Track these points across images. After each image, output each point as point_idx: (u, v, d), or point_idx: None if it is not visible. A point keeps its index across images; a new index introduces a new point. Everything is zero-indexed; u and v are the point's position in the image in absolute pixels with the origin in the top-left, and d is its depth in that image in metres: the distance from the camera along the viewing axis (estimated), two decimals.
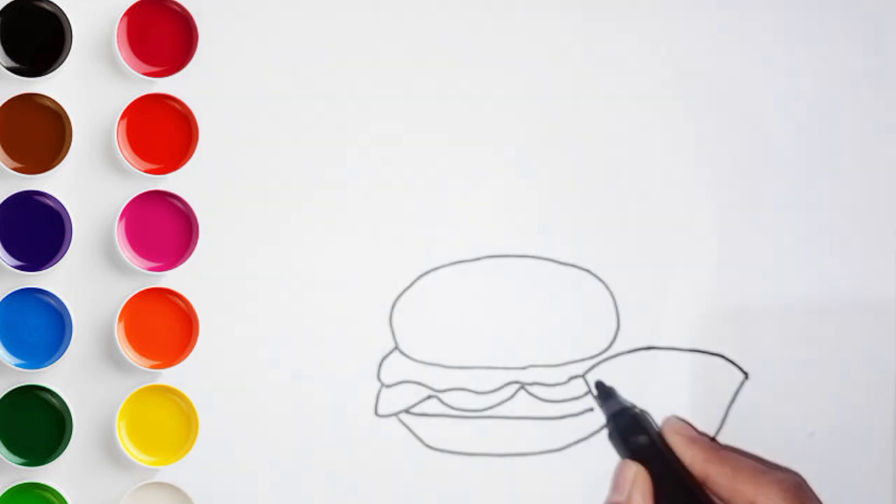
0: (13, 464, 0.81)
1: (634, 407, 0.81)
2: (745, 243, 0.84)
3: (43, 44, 0.81)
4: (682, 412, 0.83)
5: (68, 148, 0.81)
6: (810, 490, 0.76)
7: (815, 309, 0.84)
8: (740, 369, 0.83)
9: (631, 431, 0.79)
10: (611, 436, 0.80)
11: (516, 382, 0.83)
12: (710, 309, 0.84)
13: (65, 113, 0.81)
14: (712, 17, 0.84)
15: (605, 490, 0.83)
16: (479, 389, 0.83)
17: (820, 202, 0.84)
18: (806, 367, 0.84)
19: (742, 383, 0.83)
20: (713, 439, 0.81)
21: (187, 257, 0.82)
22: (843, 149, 0.84)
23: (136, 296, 0.82)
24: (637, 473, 0.77)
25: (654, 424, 0.80)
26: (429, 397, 0.83)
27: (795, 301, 0.84)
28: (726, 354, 0.83)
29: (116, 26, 0.82)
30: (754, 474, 0.76)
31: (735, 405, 0.83)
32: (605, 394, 0.81)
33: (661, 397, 0.83)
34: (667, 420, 0.80)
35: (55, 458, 0.81)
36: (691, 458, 0.78)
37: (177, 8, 0.82)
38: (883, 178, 0.84)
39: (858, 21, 0.84)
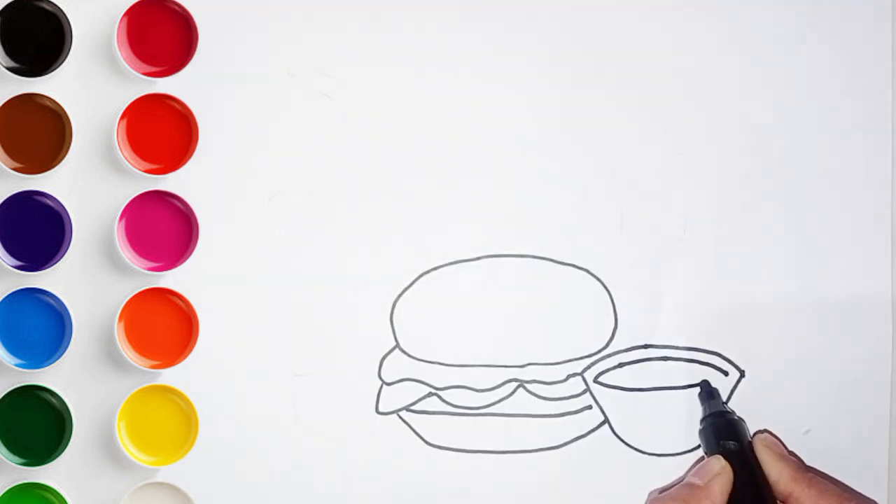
0: (13, 464, 0.81)
1: (733, 413, 0.81)
2: (742, 243, 0.84)
3: (43, 44, 0.82)
4: (679, 410, 0.83)
5: (68, 148, 0.81)
6: None
7: (811, 308, 0.84)
8: (736, 367, 0.84)
9: (724, 434, 0.79)
10: (703, 432, 0.80)
11: (515, 380, 0.83)
12: (707, 308, 0.84)
13: (65, 113, 0.81)
14: (711, 18, 0.84)
15: (603, 487, 0.83)
16: (478, 387, 0.83)
17: (815, 202, 0.84)
18: (801, 365, 0.84)
19: (738, 381, 0.84)
20: (801, 461, 0.81)
21: (187, 257, 0.82)
22: (836, 150, 0.85)
23: (136, 296, 0.82)
24: (724, 468, 0.77)
25: (747, 434, 0.80)
26: (429, 395, 0.83)
27: (791, 300, 0.84)
28: (722, 353, 0.84)
29: (116, 26, 0.82)
30: (840, 500, 0.76)
31: (731, 403, 0.84)
32: (708, 394, 0.82)
33: (658, 395, 0.84)
34: (759, 433, 0.80)
35: (55, 458, 0.81)
36: (778, 473, 0.78)
37: (177, 8, 0.82)
38: (876, 179, 0.85)
39: (855, 23, 0.85)
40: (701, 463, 0.78)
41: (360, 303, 0.83)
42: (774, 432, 0.82)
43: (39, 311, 0.81)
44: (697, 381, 0.83)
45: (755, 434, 0.80)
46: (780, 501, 0.77)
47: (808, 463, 0.82)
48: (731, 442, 0.79)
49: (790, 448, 0.81)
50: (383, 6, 0.83)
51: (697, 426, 0.81)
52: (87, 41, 0.82)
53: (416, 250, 0.83)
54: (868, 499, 0.77)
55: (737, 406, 0.83)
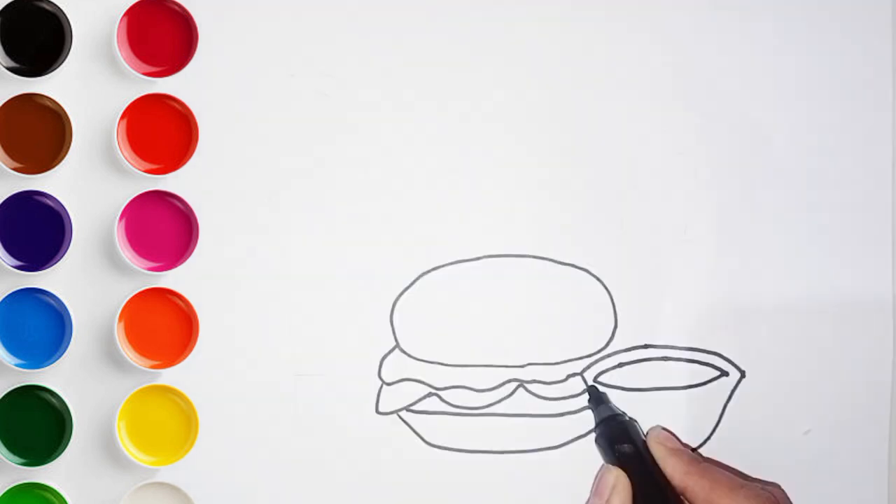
0: (13, 464, 0.81)
1: (624, 414, 0.81)
2: (742, 243, 0.84)
3: (43, 44, 0.82)
4: (679, 410, 0.83)
5: (68, 148, 0.81)
6: (789, 503, 0.77)
7: (811, 308, 0.84)
8: (737, 367, 0.84)
9: (617, 439, 0.79)
10: (597, 440, 0.81)
11: (515, 380, 0.83)
12: (707, 308, 0.84)
13: (65, 113, 0.81)
14: (712, 18, 0.84)
15: None
16: (478, 387, 0.83)
17: (816, 202, 0.84)
18: (802, 365, 0.84)
19: (738, 381, 0.84)
20: (695, 450, 0.82)
21: (187, 257, 0.82)
22: (839, 150, 0.85)
23: (136, 296, 0.82)
24: (618, 479, 0.78)
25: (641, 433, 0.80)
26: (429, 395, 0.83)
27: (792, 300, 0.84)
28: (722, 353, 0.84)
29: (116, 26, 0.82)
30: (731, 488, 0.76)
31: (731, 403, 0.84)
32: (596, 399, 0.82)
33: (658, 395, 0.84)
34: (651, 430, 0.81)
35: (55, 458, 0.81)
36: (672, 468, 0.78)
37: (177, 8, 0.82)
38: (878, 179, 0.85)
39: (855, 23, 0.85)
40: (596, 479, 0.78)
41: (360, 303, 0.83)
42: (773, 432, 0.82)
43: (39, 311, 0.81)
44: (697, 381, 0.84)
45: (648, 431, 0.80)
46: (680, 495, 0.78)
47: (807, 463, 0.82)
48: (625, 445, 0.79)
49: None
50: (384, 6, 0.83)
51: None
52: (87, 41, 0.82)
53: (416, 250, 0.83)
54: (766, 482, 0.78)
55: (737, 406, 0.84)
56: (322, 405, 0.82)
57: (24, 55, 0.81)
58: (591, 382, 0.83)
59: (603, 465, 0.80)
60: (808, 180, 0.84)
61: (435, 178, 0.83)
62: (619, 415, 0.81)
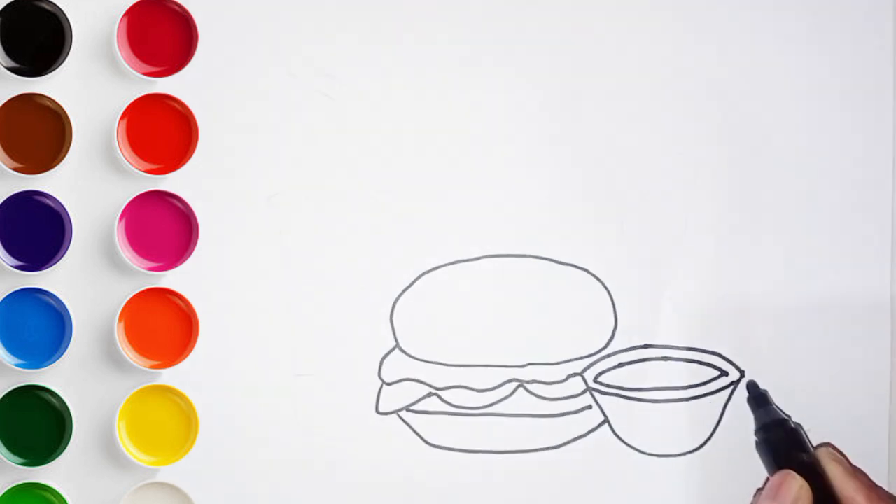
0: (13, 464, 0.81)
1: (790, 419, 0.77)
2: (742, 243, 0.84)
3: (43, 44, 0.82)
4: (679, 410, 0.84)
5: (68, 148, 0.81)
6: None
7: (811, 308, 0.84)
8: (736, 367, 0.84)
9: (791, 446, 0.75)
10: (765, 443, 0.76)
11: (515, 380, 0.83)
12: (707, 308, 0.84)
13: (65, 113, 0.81)
14: (712, 17, 0.84)
15: (603, 487, 0.83)
16: (478, 387, 0.83)
17: (815, 202, 0.84)
18: (801, 365, 0.84)
19: (738, 381, 0.84)
20: (868, 477, 0.77)
21: (187, 257, 0.82)
22: (839, 150, 0.85)
23: (136, 296, 0.82)
24: (802, 489, 0.73)
25: (810, 443, 0.76)
26: (429, 395, 0.83)
27: (791, 301, 0.84)
28: (722, 353, 0.84)
29: (116, 26, 0.82)
30: None
31: (731, 403, 0.84)
32: (757, 399, 0.77)
33: (658, 395, 0.84)
34: (823, 446, 0.76)
35: (55, 458, 0.81)
36: (853, 490, 0.74)
37: (177, 8, 0.82)
38: (876, 179, 0.85)
39: (855, 23, 0.85)
40: (776, 483, 0.74)
41: (360, 303, 0.83)
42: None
43: (39, 311, 0.81)
44: (697, 381, 0.84)
45: (818, 447, 0.76)
46: None
47: None
48: (803, 454, 0.75)
49: None
50: (384, 6, 0.83)
51: (700, 430, 0.81)
52: (87, 41, 0.82)
53: (416, 250, 0.83)
54: None
55: (738, 406, 0.84)
56: (322, 405, 0.82)
57: (24, 55, 0.81)
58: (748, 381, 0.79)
59: (782, 470, 0.75)
60: (808, 180, 0.84)
61: (435, 178, 0.83)
62: (787, 420, 0.76)
